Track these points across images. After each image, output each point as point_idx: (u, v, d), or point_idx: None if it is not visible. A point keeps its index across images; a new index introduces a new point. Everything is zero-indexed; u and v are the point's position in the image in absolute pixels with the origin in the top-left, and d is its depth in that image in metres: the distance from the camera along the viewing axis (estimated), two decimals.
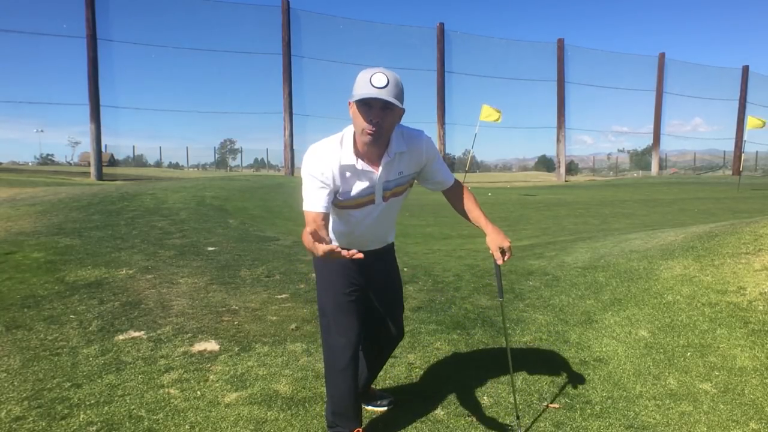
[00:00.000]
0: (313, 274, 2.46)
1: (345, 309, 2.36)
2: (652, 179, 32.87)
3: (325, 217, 2.14)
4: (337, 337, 2.36)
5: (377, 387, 2.97)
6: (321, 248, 1.83)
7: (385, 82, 1.98)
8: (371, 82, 1.98)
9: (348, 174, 2.16)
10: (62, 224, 7.65)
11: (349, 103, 2.05)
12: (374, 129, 2.02)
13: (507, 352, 2.65)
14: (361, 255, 1.85)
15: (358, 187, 2.19)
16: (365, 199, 2.24)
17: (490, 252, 2.24)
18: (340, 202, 2.22)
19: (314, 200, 2.11)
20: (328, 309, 2.39)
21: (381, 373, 3.16)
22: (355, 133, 2.12)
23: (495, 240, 2.24)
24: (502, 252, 2.24)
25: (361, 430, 2.45)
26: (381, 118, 2.02)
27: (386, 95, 1.97)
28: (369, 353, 2.64)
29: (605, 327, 3.72)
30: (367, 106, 2.01)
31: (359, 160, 2.15)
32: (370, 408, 2.79)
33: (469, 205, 2.39)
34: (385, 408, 2.80)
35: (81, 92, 23.85)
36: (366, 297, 2.44)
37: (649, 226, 8.76)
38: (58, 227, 7.41)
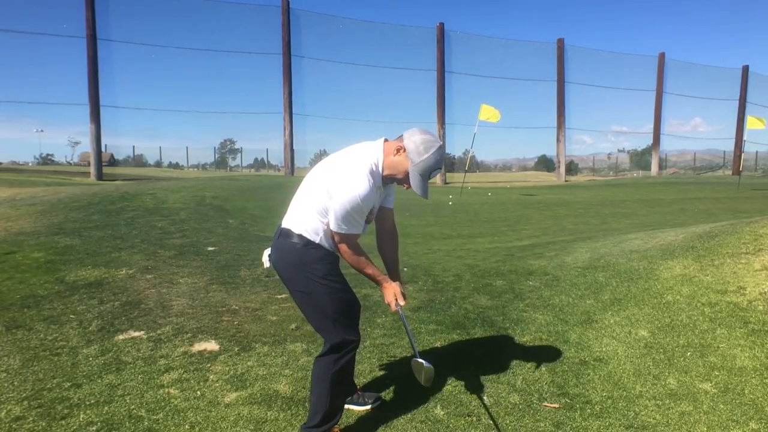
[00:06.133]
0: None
1: (353, 307, 2.47)
2: (652, 179, 32.87)
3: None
4: (350, 338, 2.41)
5: (371, 385, 2.98)
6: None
7: None
8: (437, 168, 2.32)
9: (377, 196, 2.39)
10: (62, 224, 7.65)
11: (403, 147, 2.28)
12: None
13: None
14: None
15: (375, 205, 2.42)
16: (371, 216, 2.46)
17: (386, 301, 2.51)
18: None
19: (358, 225, 2.32)
20: (339, 312, 2.38)
21: (380, 373, 3.17)
22: (386, 157, 2.32)
23: (395, 289, 2.49)
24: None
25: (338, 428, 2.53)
26: None
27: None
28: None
29: (605, 327, 3.72)
30: (406, 179, 2.32)
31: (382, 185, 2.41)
32: (356, 408, 2.76)
33: (391, 245, 2.62)
34: (369, 407, 2.78)
35: (81, 92, 23.88)
36: None
37: (649, 226, 8.76)
38: (58, 227, 7.41)
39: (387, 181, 2.37)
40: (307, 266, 2.34)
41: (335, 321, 2.37)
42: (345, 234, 2.29)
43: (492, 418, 2.70)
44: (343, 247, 2.35)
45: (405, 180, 2.32)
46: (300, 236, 2.35)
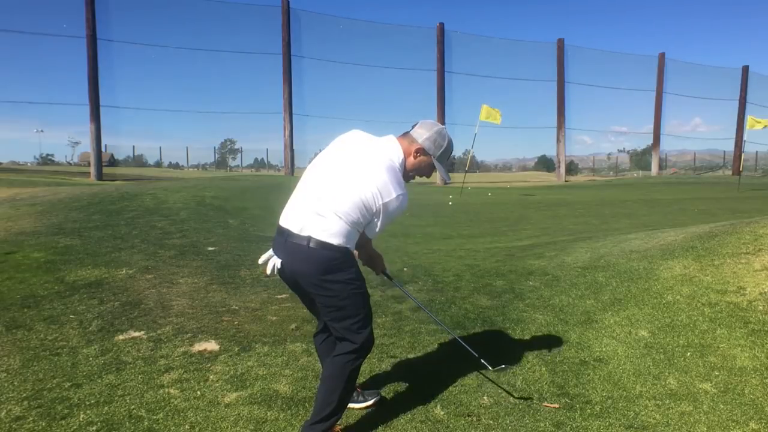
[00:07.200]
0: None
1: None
2: (652, 179, 32.88)
3: None
4: (372, 336, 2.46)
5: (369, 383, 2.98)
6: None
7: None
8: (452, 149, 2.54)
9: None
10: (62, 224, 7.65)
11: (422, 149, 2.44)
12: None
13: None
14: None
15: None
16: None
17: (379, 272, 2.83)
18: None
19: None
20: (368, 313, 2.45)
21: (381, 373, 3.17)
22: (406, 159, 2.46)
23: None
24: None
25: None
26: None
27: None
28: None
29: (605, 327, 3.72)
30: (432, 171, 2.52)
31: None
32: (356, 406, 2.77)
33: None
34: (370, 403, 2.79)
35: (81, 92, 23.91)
36: None
37: (649, 226, 8.76)
38: (58, 227, 7.41)
39: (409, 179, 2.52)
40: (344, 273, 2.34)
41: (365, 321, 2.42)
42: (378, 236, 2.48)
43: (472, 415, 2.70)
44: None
45: (429, 171, 2.53)
46: (339, 248, 2.29)
